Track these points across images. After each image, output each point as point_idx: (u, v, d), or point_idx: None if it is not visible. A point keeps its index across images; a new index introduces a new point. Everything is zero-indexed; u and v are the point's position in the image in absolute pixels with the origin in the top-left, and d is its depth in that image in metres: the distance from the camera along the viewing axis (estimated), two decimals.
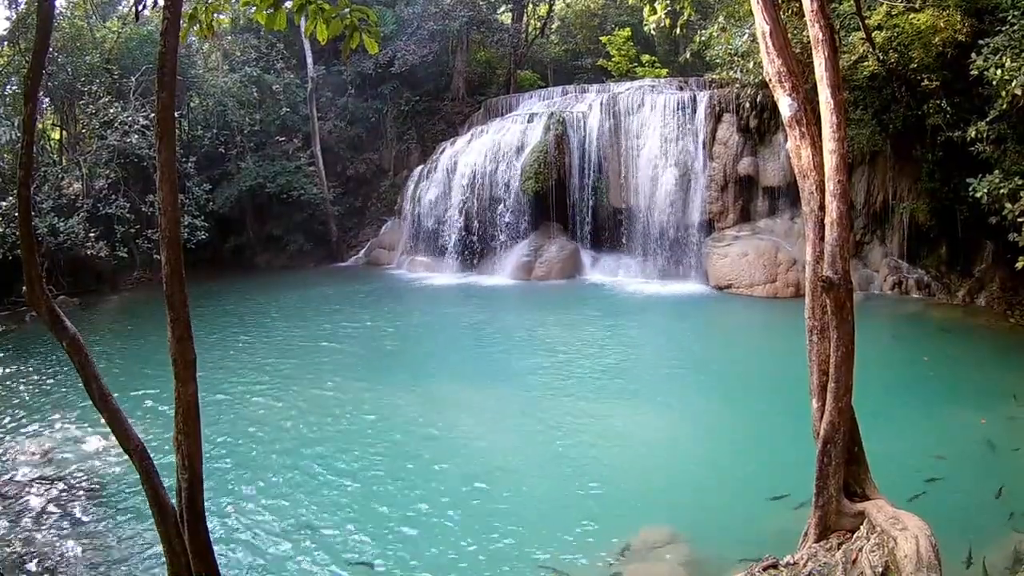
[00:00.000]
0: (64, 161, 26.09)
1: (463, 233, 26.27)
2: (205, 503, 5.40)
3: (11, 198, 19.34)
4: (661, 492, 9.22)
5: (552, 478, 9.50)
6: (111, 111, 23.88)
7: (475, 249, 26.13)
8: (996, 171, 14.08)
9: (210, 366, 13.91)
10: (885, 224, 21.52)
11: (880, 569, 5.37)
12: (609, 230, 25.57)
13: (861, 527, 5.88)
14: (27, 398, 13.23)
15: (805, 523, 6.32)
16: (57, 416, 12.07)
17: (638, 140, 24.81)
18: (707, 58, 22.93)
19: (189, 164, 25.70)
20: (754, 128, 23.25)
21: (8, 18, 24.49)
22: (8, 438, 11.18)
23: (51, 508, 8.88)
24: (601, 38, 33.80)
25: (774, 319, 19.25)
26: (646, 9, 9.28)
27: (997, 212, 14.15)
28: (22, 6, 23.21)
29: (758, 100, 22.58)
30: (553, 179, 24.96)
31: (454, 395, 13.25)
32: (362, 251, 30.57)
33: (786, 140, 7.01)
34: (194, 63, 28.79)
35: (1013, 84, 12.18)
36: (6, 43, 24.40)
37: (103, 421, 5.72)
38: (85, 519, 8.62)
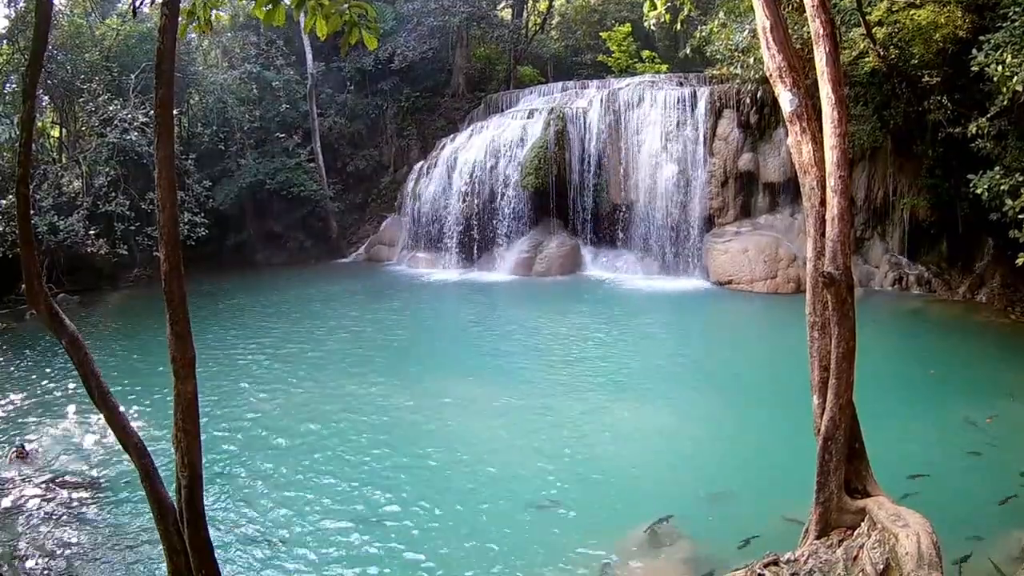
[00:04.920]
0: (64, 159, 26.09)
1: (463, 229, 26.25)
2: (205, 501, 5.39)
3: (10, 196, 19.33)
4: (662, 488, 9.22)
5: (553, 473, 9.50)
6: (110, 108, 23.86)
7: (475, 245, 26.12)
8: (997, 167, 14.03)
9: (210, 363, 13.92)
10: (886, 220, 21.50)
11: (881, 566, 5.36)
12: (609, 226, 25.54)
13: (862, 524, 5.87)
14: (26, 396, 13.22)
15: (807, 519, 6.31)
16: (56, 414, 12.06)
17: (638, 136, 24.78)
18: (707, 54, 22.87)
19: (189, 161, 25.68)
20: (754, 124, 23.22)
21: (7, 16, 24.47)
22: (7, 436, 11.17)
23: (50, 506, 8.88)
24: (601, 34, 33.75)
25: (775, 315, 19.24)
26: (646, 5, 9.23)
27: (998, 208, 14.12)
28: (21, 4, 23.16)
29: (758, 96, 22.56)
30: (553, 175, 24.94)
31: (454, 391, 13.23)
32: (362, 247, 30.56)
33: (787, 136, 6.98)
34: (193, 60, 28.77)
35: (1014, 80, 12.13)
36: (5, 41, 24.37)
37: (102, 419, 5.70)
38: (84, 517, 8.62)
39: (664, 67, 30.90)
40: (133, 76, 24.71)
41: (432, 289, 23.72)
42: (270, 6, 5.19)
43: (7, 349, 16.92)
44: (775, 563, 5.97)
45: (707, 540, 7.67)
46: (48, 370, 14.66)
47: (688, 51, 22.58)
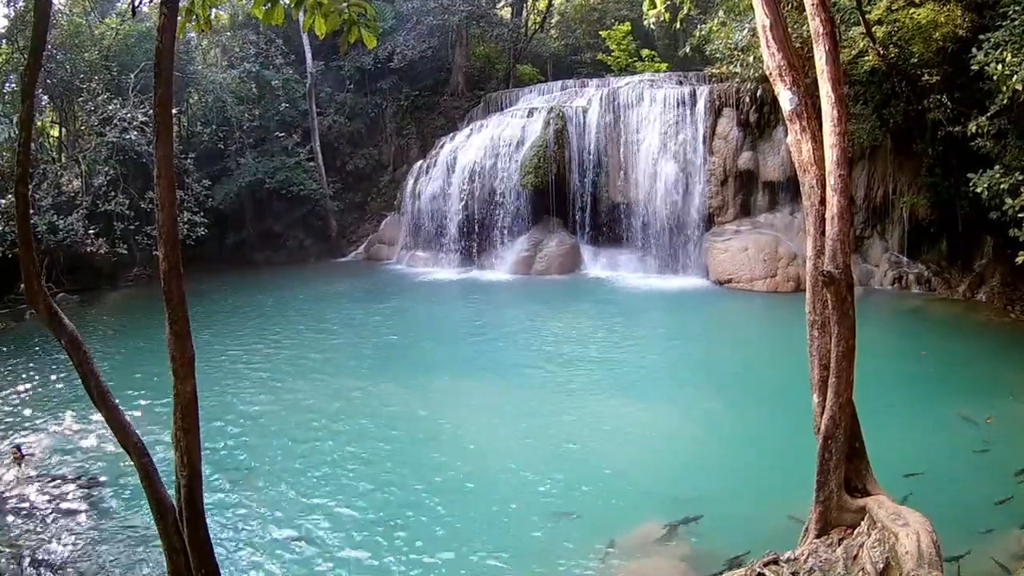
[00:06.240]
0: (63, 158, 26.09)
1: (463, 228, 26.25)
2: (204, 500, 5.39)
3: (9, 196, 19.32)
4: (662, 487, 9.21)
5: (553, 472, 9.49)
6: (110, 108, 23.85)
7: (475, 244, 26.11)
8: (996, 166, 14.01)
9: (209, 363, 13.90)
10: (885, 219, 21.49)
11: (881, 565, 5.36)
12: (609, 225, 25.53)
13: (862, 523, 5.87)
14: (26, 396, 13.22)
15: (807, 518, 6.31)
16: (56, 414, 12.06)
17: (638, 135, 24.77)
18: (707, 52, 22.85)
19: (188, 160, 25.67)
20: (754, 122, 23.22)
21: (6, 15, 24.45)
22: (7, 436, 11.17)
23: (50, 506, 8.88)
24: (600, 33, 33.72)
25: (774, 314, 19.23)
26: (646, 3, 9.22)
27: (998, 207, 14.10)
28: (20, 3, 23.15)
29: (758, 94, 22.55)
30: (552, 174, 24.92)
31: (455, 391, 13.25)
32: (362, 246, 30.56)
33: (786, 134, 6.99)
34: (193, 59, 28.77)
35: (1014, 79, 12.10)
36: (4, 40, 24.35)
37: (102, 418, 5.70)
38: (84, 517, 8.62)
39: (664, 66, 30.89)
40: (132, 75, 24.69)
41: (432, 288, 23.72)
42: (269, 5, 5.19)
43: (7, 349, 16.90)
44: (775, 562, 5.97)
45: (707, 539, 7.66)
46: (47, 370, 14.65)
47: (688, 50, 22.55)
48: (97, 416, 8.99)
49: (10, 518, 8.59)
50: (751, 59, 19.41)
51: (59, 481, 9.49)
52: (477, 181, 25.99)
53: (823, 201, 6.14)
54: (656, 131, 24.40)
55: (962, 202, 17.85)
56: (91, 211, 23.42)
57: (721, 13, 20.59)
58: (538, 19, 35.96)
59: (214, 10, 6.08)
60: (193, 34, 27.02)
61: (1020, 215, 13.17)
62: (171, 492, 5.39)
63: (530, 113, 26.38)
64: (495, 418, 11.86)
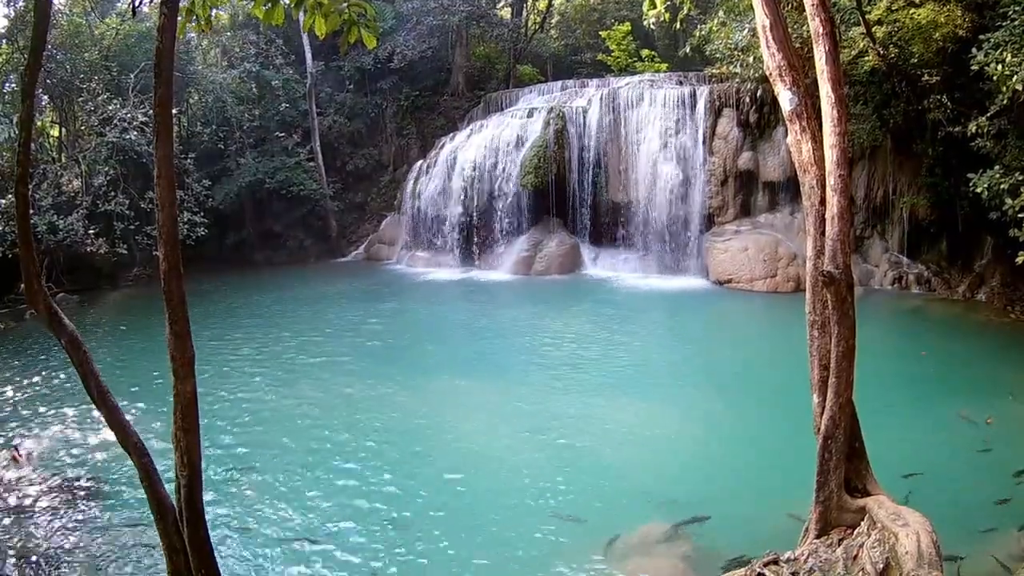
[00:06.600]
0: (63, 158, 26.09)
1: (463, 228, 26.27)
2: (204, 500, 5.39)
3: (9, 196, 19.32)
4: (662, 487, 9.20)
5: (553, 472, 9.48)
6: (110, 108, 23.85)
7: (475, 244, 26.12)
8: (996, 166, 14.01)
9: (209, 363, 13.90)
10: (885, 219, 21.50)
11: (881, 565, 5.36)
12: (609, 225, 25.54)
13: (862, 523, 5.87)
14: (25, 396, 13.21)
15: (807, 518, 6.31)
16: (56, 414, 12.05)
17: (638, 135, 24.77)
18: (707, 53, 22.86)
19: (188, 160, 25.67)
20: (754, 123, 23.22)
21: (7, 15, 24.46)
22: (7, 436, 11.16)
23: (50, 506, 8.86)
24: (600, 33, 33.74)
25: (774, 314, 19.23)
26: (646, 3, 9.23)
27: (997, 207, 14.10)
28: (20, 3, 23.16)
29: (758, 95, 22.56)
30: (552, 174, 24.93)
31: (455, 391, 13.24)
32: (362, 246, 30.56)
33: (786, 134, 6.99)
34: (193, 59, 28.78)
35: (1014, 79, 12.10)
36: (4, 40, 24.36)
37: (102, 418, 5.70)
38: (84, 517, 8.61)
39: (664, 66, 30.89)
40: (132, 75, 24.69)
41: (432, 288, 23.71)
42: (269, 5, 5.19)
43: (7, 349, 16.90)
44: (775, 562, 5.97)
45: (707, 539, 7.66)
46: (47, 370, 14.64)
47: (688, 50, 22.55)
48: (97, 416, 9.00)
49: (9, 518, 8.58)
50: (751, 59, 19.41)
51: (59, 481, 9.49)
52: (477, 181, 26.01)
53: (823, 201, 6.15)
54: (656, 131, 24.40)
55: (962, 202, 17.85)
56: (91, 211, 23.42)
57: (721, 13, 20.58)
58: (538, 19, 35.96)
59: (214, 10, 6.08)
60: (193, 34, 27.05)
61: (1020, 215, 13.17)
62: (171, 492, 5.39)
63: (530, 113, 26.38)
64: (495, 418, 11.85)
